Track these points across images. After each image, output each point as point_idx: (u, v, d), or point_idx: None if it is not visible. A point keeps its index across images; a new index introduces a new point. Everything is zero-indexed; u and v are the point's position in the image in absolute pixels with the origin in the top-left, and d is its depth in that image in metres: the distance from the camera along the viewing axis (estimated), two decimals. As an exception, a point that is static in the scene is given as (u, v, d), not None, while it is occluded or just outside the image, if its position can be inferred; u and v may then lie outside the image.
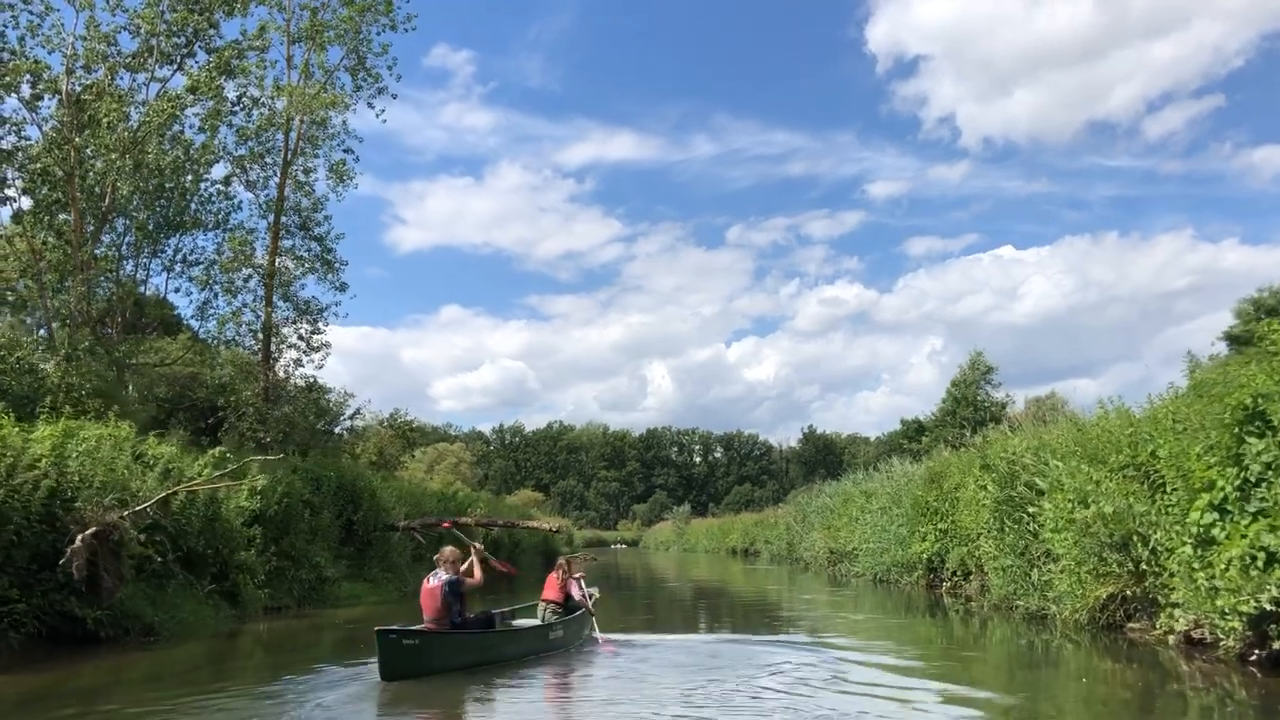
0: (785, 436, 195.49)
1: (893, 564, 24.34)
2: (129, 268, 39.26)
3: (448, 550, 11.30)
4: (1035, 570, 14.40)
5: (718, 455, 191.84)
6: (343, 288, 43.22)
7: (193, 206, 39.41)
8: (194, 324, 41.28)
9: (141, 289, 41.09)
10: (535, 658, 11.68)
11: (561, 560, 14.47)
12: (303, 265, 41.70)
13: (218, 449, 17.81)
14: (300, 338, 42.14)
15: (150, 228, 38.90)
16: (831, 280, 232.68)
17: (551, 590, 13.44)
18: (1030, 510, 14.49)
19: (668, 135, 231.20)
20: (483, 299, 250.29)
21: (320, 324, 42.28)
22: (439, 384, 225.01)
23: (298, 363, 42.93)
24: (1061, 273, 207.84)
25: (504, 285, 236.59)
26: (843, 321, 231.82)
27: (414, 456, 63.54)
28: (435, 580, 10.89)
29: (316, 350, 42.61)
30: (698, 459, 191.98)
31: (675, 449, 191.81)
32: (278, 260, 41.02)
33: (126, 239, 39.04)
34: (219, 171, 39.25)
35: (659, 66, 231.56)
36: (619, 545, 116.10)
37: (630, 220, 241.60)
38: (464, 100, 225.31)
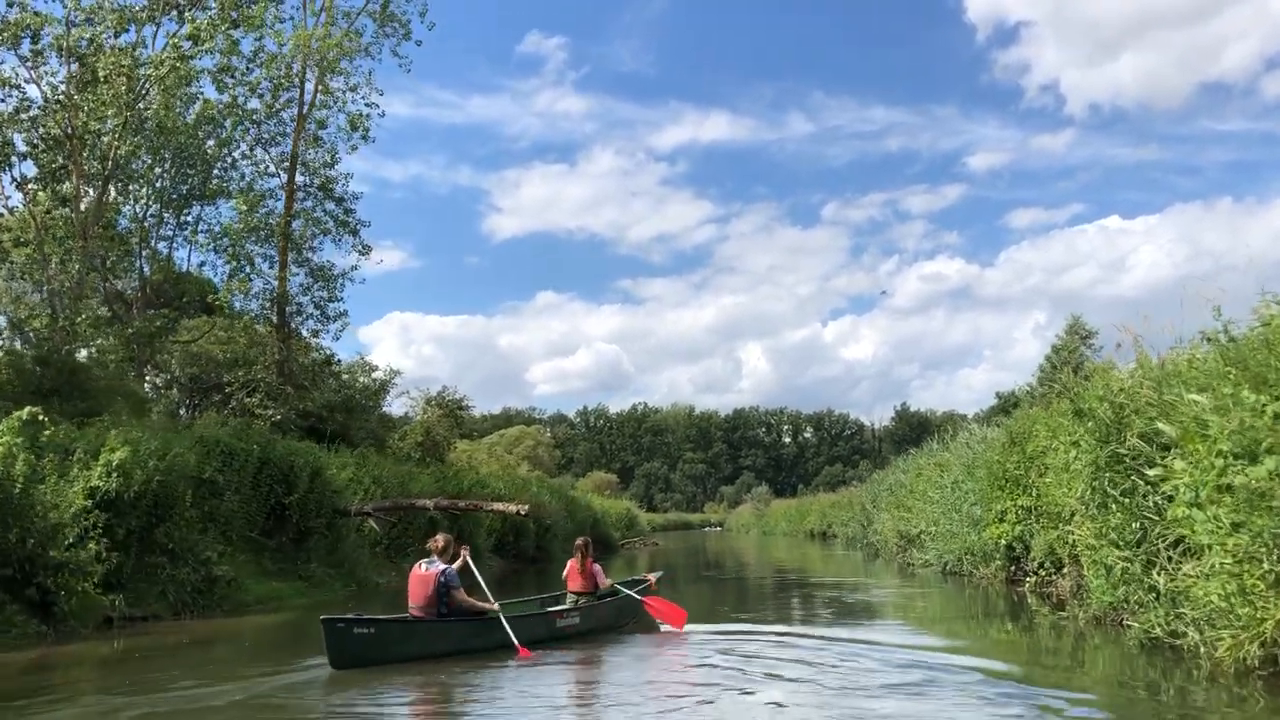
0: (879, 415, 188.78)
1: (964, 551, 19.05)
2: (155, 242, 36.29)
3: (441, 538, 10.80)
4: (1159, 570, 9.07)
5: (807, 435, 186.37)
6: (365, 251, 39.63)
7: (215, 172, 36.21)
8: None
9: (180, 266, 38.08)
10: (539, 648, 10.48)
11: (579, 541, 12.90)
12: (318, 227, 38.21)
13: (26, 409, 13.44)
14: (316, 306, 38.59)
15: (172, 196, 35.94)
16: (931, 255, 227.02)
17: (574, 579, 12.38)
18: (1150, 474, 9.19)
19: (762, 115, 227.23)
20: (577, 284, 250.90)
21: (337, 291, 38.76)
22: (536, 369, 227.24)
23: (315, 333, 39.50)
24: (1172, 242, 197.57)
25: (597, 269, 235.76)
26: (943, 297, 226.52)
27: (460, 437, 59.56)
28: (429, 568, 10.37)
29: (333, 320, 38.99)
30: (787, 439, 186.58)
31: (763, 429, 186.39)
32: (292, 223, 37.56)
33: (149, 210, 36.16)
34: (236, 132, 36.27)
35: (753, 47, 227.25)
36: (714, 527, 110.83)
37: (723, 201, 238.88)
38: (557, 86, 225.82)
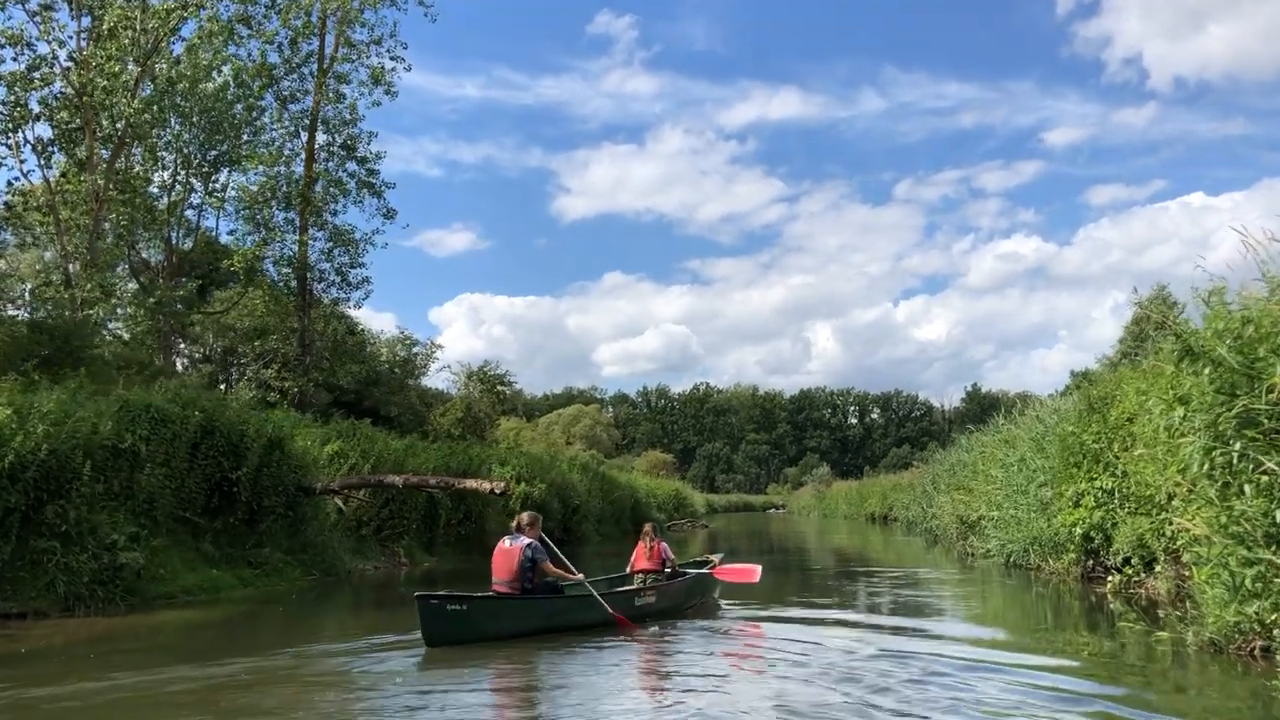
0: (949, 396, 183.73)
1: (1030, 541, 15.90)
2: (183, 210, 34.75)
3: (526, 515, 11.05)
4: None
5: (874, 417, 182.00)
6: (390, 215, 37.42)
7: (245, 137, 34.34)
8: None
9: (210, 234, 36.54)
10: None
11: (647, 526, 13.50)
12: (338, 188, 36.04)
13: None
14: (338, 272, 36.48)
15: (201, 164, 34.33)
16: (1007, 234, 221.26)
17: (642, 561, 12.76)
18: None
19: (834, 92, 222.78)
20: (645, 265, 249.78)
21: (359, 255, 36.61)
22: (604, 350, 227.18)
23: (336, 302, 37.44)
24: (1260, 218, 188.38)
25: (665, 250, 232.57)
26: (1019, 277, 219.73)
27: (504, 414, 57.25)
28: (514, 542, 10.56)
29: (355, 287, 36.79)
30: (853, 420, 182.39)
31: (829, 410, 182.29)
32: (313, 184, 35.45)
33: (178, 177, 34.63)
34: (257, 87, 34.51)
35: (825, 23, 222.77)
36: (777, 509, 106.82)
37: (793, 180, 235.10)
38: (627, 66, 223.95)
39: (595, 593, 10.59)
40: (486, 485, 15.63)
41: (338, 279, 36.13)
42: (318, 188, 35.49)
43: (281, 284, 35.93)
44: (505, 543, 10.66)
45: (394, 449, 22.86)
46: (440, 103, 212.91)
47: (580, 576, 11.00)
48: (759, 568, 13.67)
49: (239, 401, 32.92)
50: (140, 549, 13.52)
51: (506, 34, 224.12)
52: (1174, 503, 9.83)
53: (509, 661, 9.07)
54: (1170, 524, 9.67)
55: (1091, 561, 14.03)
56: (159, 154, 32.45)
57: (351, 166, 36.34)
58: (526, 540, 10.54)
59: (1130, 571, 12.25)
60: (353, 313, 38.57)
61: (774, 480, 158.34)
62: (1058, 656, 8.78)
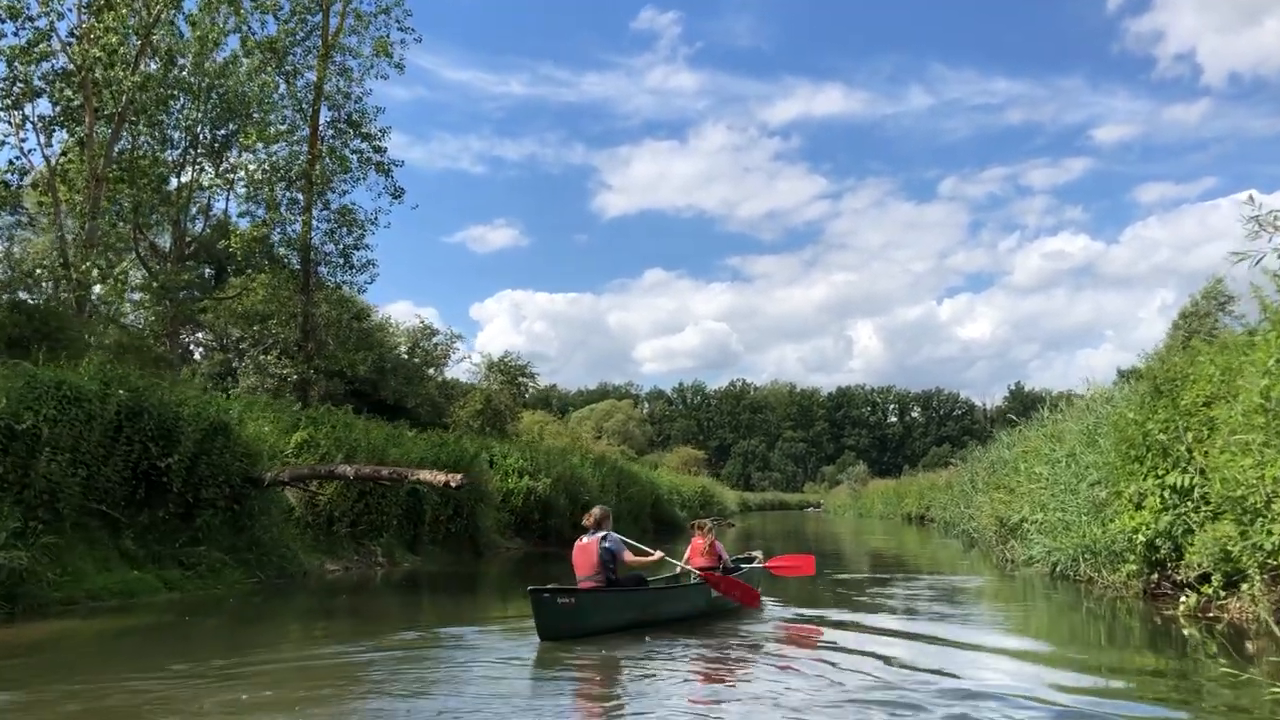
0: (990, 395, 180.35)
1: (1081, 550, 13.54)
2: (189, 192, 33.25)
3: (597, 509, 11.16)
4: None
5: (914, 415, 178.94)
6: (398, 194, 35.63)
7: (255, 116, 32.74)
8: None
9: (227, 216, 35.12)
10: (697, 618, 11.22)
11: (709, 523, 13.70)
12: (342, 166, 34.26)
13: None
14: (341, 254, 34.69)
15: (213, 144, 32.87)
16: (1053, 232, 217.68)
17: (698, 557, 12.82)
18: None
19: (879, 88, 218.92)
20: (685, 261, 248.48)
21: (363, 235, 34.80)
22: (643, 346, 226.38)
23: (338, 285, 35.69)
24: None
25: (706, 247, 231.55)
26: (1065, 275, 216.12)
27: (525, 407, 55.27)
28: (589, 539, 10.76)
29: (360, 269, 35.00)
30: (893, 419, 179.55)
31: (868, 409, 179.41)
32: (316, 162, 33.68)
33: (187, 157, 33.17)
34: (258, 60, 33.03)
35: (871, 18, 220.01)
36: (814, 508, 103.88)
37: (836, 176, 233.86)
38: (670, 62, 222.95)
39: (691, 569, 10.85)
40: (441, 478, 13.56)
41: (341, 261, 34.41)
42: (319, 166, 33.78)
43: (284, 266, 34.30)
44: (583, 540, 10.88)
45: (374, 438, 20.86)
46: (486, 100, 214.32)
47: (660, 555, 11.20)
48: (812, 557, 14.02)
49: (243, 387, 31.42)
50: (27, 547, 11.52)
51: (552, 31, 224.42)
52: (1275, 506, 7.54)
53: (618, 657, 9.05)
54: (1272, 533, 7.36)
55: (1156, 575, 11.70)
56: (168, 133, 31.04)
57: (356, 143, 34.65)
58: (602, 533, 10.70)
59: (1209, 590, 9.90)
60: (389, 307, 37.06)
61: (810, 479, 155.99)
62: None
